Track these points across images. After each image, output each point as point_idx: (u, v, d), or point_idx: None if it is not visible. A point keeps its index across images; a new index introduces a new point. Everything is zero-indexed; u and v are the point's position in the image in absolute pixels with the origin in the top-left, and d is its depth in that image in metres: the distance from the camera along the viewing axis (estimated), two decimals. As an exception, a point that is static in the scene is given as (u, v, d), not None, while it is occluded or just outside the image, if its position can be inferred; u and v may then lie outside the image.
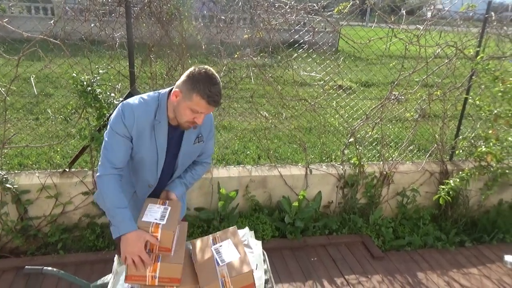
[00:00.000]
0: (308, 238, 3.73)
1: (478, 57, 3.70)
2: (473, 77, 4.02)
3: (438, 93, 4.05)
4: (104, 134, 1.93)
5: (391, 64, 4.28)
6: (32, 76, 3.05)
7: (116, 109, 1.90)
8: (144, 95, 1.95)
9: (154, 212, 1.88)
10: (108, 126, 1.90)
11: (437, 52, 3.84)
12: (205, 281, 1.86)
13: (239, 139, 5.67)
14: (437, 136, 4.23)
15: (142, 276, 1.75)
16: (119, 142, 1.89)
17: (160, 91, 1.97)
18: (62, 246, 3.28)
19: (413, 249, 3.82)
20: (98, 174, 1.90)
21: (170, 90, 1.94)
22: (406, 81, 3.94)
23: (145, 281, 1.75)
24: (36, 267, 2.14)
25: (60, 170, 3.39)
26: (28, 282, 2.97)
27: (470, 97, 3.94)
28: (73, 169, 3.43)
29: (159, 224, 1.80)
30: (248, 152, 5.30)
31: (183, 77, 1.85)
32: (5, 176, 3.11)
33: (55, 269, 2.17)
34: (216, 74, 1.84)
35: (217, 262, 1.94)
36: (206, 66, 1.84)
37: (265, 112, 4.21)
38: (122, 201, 1.86)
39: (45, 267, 2.15)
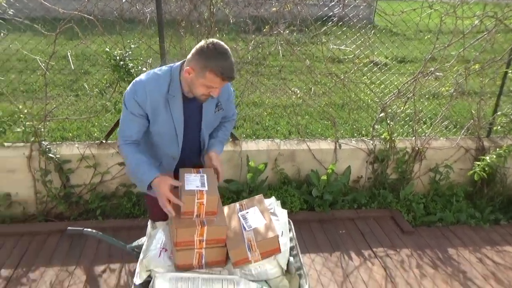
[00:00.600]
0: (336, 212, 3.76)
1: (521, 27, 3.50)
2: (515, 49, 3.81)
3: (476, 67, 3.87)
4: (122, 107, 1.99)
5: (426, 37, 4.12)
6: (69, 52, 3.19)
7: (130, 85, 1.93)
8: (157, 70, 1.97)
9: (193, 181, 1.97)
10: (123, 102, 1.95)
11: (475, 24, 3.66)
12: (232, 244, 1.95)
13: (269, 115, 5.70)
14: (473, 112, 4.07)
15: (190, 241, 1.85)
16: (132, 120, 1.94)
17: (172, 64, 1.97)
18: (101, 212, 3.50)
19: (444, 226, 3.76)
20: (118, 144, 2.01)
21: (182, 63, 1.94)
22: (441, 55, 3.79)
23: (193, 245, 1.86)
24: (77, 228, 2.31)
25: (98, 141, 3.58)
26: (72, 244, 3.21)
27: (511, 71, 3.75)
28: (109, 141, 3.61)
29: (203, 190, 1.89)
30: (279, 128, 5.32)
31: (193, 53, 1.82)
32: (48, 147, 3.32)
33: (94, 231, 2.32)
34: (226, 47, 1.80)
35: (244, 227, 2.02)
36: (215, 40, 1.80)
37: (295, 88, 4.19)
38: (141, 158, 1.94)
39: (85, 229, 2.31)
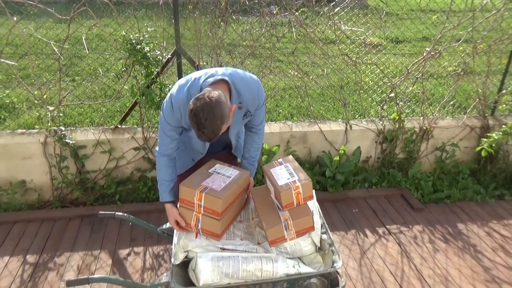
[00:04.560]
0: (349, 191, 3.85)
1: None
2: (521, 28, 3.88)
3: (483, 46, 3.93)
4: (159, 118, 2.09)
5: (434, 17, 4.16)
6: (83, 36, 3.14)
7: (167, 99, 1.98)
8: (190, 84, 1.94)
9: (282, 174, 2.06)
10: (161, 113, 2.03)
11: (484, 2, 3.70)
12: (269, 224, 2.01)
13: (270, 97, 5.69)
14: (479, 90, 4.16)
15: (191, 202, 1.95)
16: (167, 131, 2.04)
17: (202, 80, 1.92)
18: (119, 197, 3.51)
19: (452, 202, 3.88)
20: (156, 149, 2.15)
21: (211, 84, 1.88)
22: (449, 34, 3.83)
23: (193, 207, 1.96)
24: (109, 212, 2.34)
25: (112, 126, 3.56)
26: (93, 228, 3.24)
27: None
28: (124, 126, 3.60)
29: (295, 180, 1.98)
30: (280, 110, 5.34)
31: None
32: (63, 132, 3.30)
33: (126, 214, 2.36)
34: (208, 110, 1.67)
35: (279, 208, 2.07)
36: (198, 103, 1.69)
37: (294, 72, 4.17)
38: (168, 175, 2.13)
39: (117, 213, 2.34)
